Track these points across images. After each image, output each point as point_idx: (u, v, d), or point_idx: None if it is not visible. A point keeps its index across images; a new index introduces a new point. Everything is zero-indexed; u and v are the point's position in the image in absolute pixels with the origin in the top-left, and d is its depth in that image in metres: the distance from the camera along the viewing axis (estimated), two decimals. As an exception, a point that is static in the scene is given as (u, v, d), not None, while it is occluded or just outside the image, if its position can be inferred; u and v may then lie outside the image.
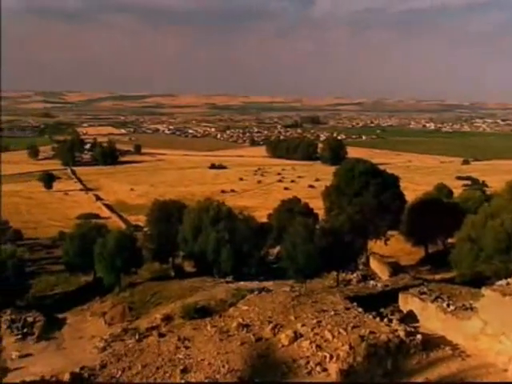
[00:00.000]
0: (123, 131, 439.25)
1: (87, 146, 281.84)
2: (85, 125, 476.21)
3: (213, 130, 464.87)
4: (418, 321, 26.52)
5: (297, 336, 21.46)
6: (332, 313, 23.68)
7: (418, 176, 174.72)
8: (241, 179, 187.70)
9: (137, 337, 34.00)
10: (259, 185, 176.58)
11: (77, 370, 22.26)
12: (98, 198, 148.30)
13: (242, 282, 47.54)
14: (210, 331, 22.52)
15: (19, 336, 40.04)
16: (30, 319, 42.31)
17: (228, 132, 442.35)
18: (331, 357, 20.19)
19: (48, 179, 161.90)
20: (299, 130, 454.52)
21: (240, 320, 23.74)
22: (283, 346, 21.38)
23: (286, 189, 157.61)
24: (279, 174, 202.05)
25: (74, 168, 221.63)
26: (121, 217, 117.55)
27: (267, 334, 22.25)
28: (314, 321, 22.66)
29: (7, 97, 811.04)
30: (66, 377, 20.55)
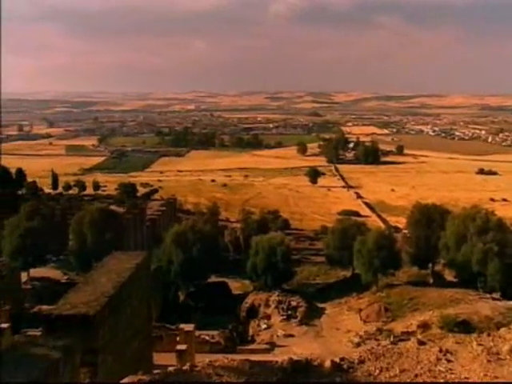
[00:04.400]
0: (386, 131, 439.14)
1: (350, 145, 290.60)
2: (349, 124, 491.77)
3: (483, 132, 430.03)
4: None
5: None
6: None
7: None
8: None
9: (391, 339, 33.95)
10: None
11: (336, 359, 23.08)
12: (359, 196, 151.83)
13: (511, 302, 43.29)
14: (477, 349, 20.86)
15: (284, 317, 44.15)
16: (293, 303, 46.21)
17: (501, 135, 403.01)
18: None
19: (314, 175, 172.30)
20: None
21: (512, 344, 21.57)
22: None
23: None
24: None
25: (338, 165, 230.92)
26: (380, 216, 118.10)
27: (545, 365, 19.72)
28: None
29: (282, 97, 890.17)
30: (327, 364, 21.54)
